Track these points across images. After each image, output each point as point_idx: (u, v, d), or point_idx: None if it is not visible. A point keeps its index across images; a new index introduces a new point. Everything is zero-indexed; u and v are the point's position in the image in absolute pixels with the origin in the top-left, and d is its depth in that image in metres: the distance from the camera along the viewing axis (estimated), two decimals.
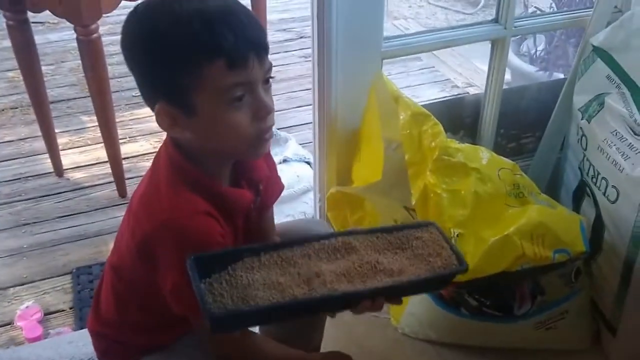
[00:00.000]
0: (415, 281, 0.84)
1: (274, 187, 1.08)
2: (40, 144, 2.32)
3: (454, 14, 4.04)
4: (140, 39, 0.87)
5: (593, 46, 1.44)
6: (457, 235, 1.20)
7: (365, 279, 0.83)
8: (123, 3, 1.96)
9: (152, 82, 0.89)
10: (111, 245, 1.94)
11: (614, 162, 1.31)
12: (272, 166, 1.08)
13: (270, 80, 0.91)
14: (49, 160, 2.28)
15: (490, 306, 1.36)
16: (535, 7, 2.59)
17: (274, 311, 0.80)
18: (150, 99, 0.90)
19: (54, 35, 3.32)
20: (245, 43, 0.85)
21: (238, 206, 0.97)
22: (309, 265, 0.84)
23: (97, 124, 2.12)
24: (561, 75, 2.33)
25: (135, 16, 0.88)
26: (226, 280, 0.81)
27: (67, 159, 2.35)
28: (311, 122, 1.51)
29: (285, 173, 2.18)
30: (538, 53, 2.51)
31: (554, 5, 2.63)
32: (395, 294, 0.87)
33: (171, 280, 0.89)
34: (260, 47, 0.87)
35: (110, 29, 3.32)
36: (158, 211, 0.90)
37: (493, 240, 1.23)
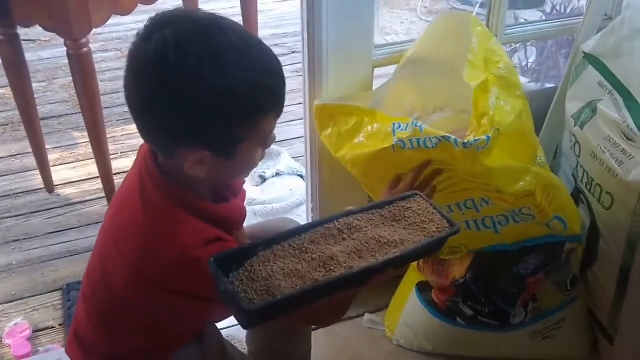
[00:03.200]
0: (418, 247, 0.90)
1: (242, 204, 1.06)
2: (31, 160, 2.30)
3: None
4: (178, 88, 0.80)
5: (584, 53, 1.44)
6: (496, 130, 1.15)
7: (374, 254, 0.88)
8: (114, 19, 1.97)
9: (197, 132, 0.84)
10: None
11: (607, 168, 1.30)
12: (242, 181, 1.06)
13: None
14: (39, 177, 2.27)
15: (486, 315, 1.34)
16: (525, 19, 2.60)
17: (301, 297, 0.82)
18: (187, 144, 0.85)
19: (45, 53, 3.32)
20: (284, 90, 0.88)
21: (237, 219, 0.97)
22: (320, 249, 0.88)
23: (88, 139, 2.11)
24: (552, 86, 2.33)
25: (161, 50, 0.80)
26: (246, 276, 0.82)
27: (58, 175, 2.34)
28: (303, 136, 1.51)
29: (278, 186, 2.17)
30: (529, 65, 2.52)
31: (544, 17, 2.64)
32: (402, 262, 0.92)
33: (211, 295, 0.85)
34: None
35: (102, 46, 3.34)
36: (169, 243, 0.87)
37: (515, 163, 1.20)
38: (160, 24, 0.82)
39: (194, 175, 0.87)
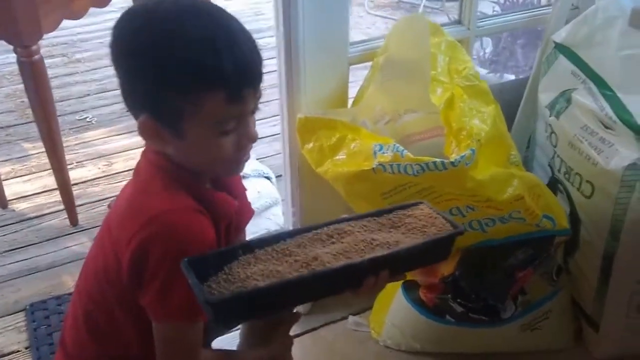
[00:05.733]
0: (413, 247, 0.84)
1: (247, 209, 1.06)
2: None
3: (393, 23, 4.09)
4: (136, 49, 0.83)
5: (555, 43, 1.44)
6: (478, 141, 1.16)
7: (363, 255, 0.83)
8: (63, 23, 1.88)
9: (142, 95, 0.85)
10: (65, 278, 1.86)
11: (587, 157, 1.31)
12: (244, 188, 1.06)
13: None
14: None
15: (476, 311, 1.33)
16: (480, 12, 2.62)
17: (273, 292, 0.78)
18: (135, 108, 0.86)
19: None
20: (246, 77, 0.83)
21: (224, 211, 0.94)
22: (305, 252, 0.84)
23: (40, 150, 2.02)
24: (512, 77, 2.36)
25: (132, 22, 0.84)
26: (223, 279, 0.79)
27: (10, 189, 2.23)
28: (269, 135, 1.47)
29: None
30: (486, 56, 2.54)
31: (497, 8, 2.67)
32: (396, 264, 0.86)
33: (160, 280, 0.85)
34: (258, 81, 0.86)
35: (47, 51, 3.20)
36: (146, 209, 0.86)
37: (500, 170, 1.21)
38: None
39: (157, 146, 0.88)
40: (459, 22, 1.48)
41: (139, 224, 0.85)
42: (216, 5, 0.86)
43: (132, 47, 0.83)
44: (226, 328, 0.99)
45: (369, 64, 1.40)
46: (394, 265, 0.85)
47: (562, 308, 1.41)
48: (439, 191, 1.19)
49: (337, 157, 1.26)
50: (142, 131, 0.86)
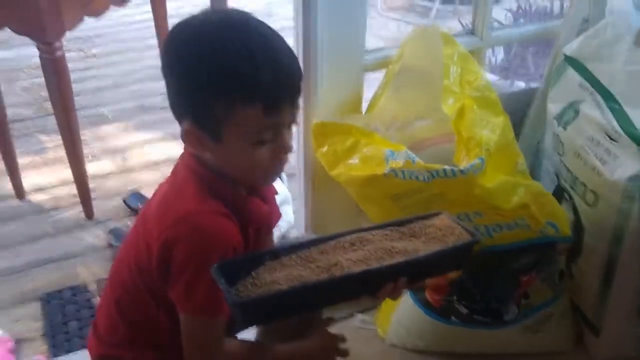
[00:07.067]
0: (430, 255, 0.88)
1: (276, 212, 1.10)
2: None
3: (406, 25, 4.10)
4: (183, 59, 0.88)
5: (565, 55, 1.48)
6: (487, 150, 1.20)
7: (382, 262, 0.87)
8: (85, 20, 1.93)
9: (186, 102, 0.90)
10: (80, 269, 1.91)
11: (592, 167, 1.35)
12: (275, 192, 1.11)
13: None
14: (9, 183, 2.21)
15: (480, 313, 1.37)
16: (492, 17, 2.65)
17: (295, 295, 0.83)
18: (180, 114, 0.92)
19: (4, 54, 3.22)
20: (284, 90, 0.87)
21: (255, 216, 0.98)
22: (327, 258, 0.88)
23: (57, 143, 2.06)
24: (522, 84, 2.39)
25: (182, 32, 0.89)
26: (251, 283, 0.84)
27: (28, 180, 2.28)
28: None
29: None
30: (498, 62, 2.58)
31: (510, 15, 2.71)
32: (414, 271, 0.90)
33: (185, 279, 0.90)
34: (295, 95, 0.90)
35: (64, 46, 3.24)
36: (175, 210, 0.92)
37: (508, 178, 1.25)
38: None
39: (198, 151, 0.93)
40: (472, 32, 1.52)
41: (166, 223, 0.91)
42: (260, 20, 0.91)
43: (180, 56, 0.88)
44: (253, 326, 1.04)
45: (383, 71, 1.45)
46: (411, 272, 0.89)
47: (563, 312, 1.45)
48: (448, 197, 1.23)
49: (350, 161, 1.30)
50: (185, 136, 0.92)
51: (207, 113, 0.87)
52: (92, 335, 1.11)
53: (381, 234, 0.94)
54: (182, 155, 0.99)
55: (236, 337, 1.08)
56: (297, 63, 0.91)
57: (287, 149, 0.92)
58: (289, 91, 0.89)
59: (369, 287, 0.88)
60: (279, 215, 1.10)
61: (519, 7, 2.66)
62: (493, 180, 1.19)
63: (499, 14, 2.90)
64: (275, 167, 0.94)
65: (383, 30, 4.01)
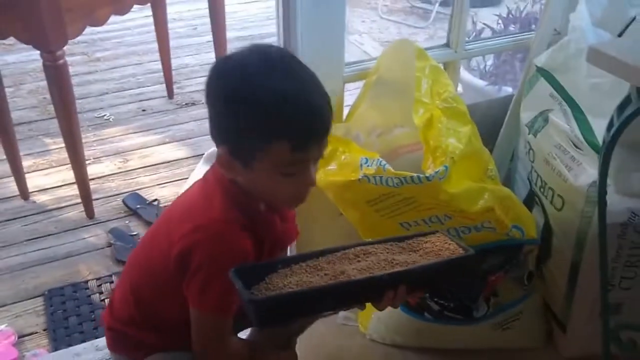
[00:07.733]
0: (427, 266, 0.98)
1: (293, 231, 1.18)
2: (4, 168, 2.33)
3: (407, 28, 4.17)
4: (221, 93, 0.97)
5: (536, 66, 1.56)
6: (451, 159, 1.28)
7: (385, 271, 0.96)
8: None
9: (223, 132, 0.99)
10: (81, 267, 2.00)
11: (558, 173, 1.43)
12: (294, 213, 1.18)
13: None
14: (13, 184, 2.30)
15: (451, 310, 1.46)
16: (483, 23, 2.71)
17: (303, 298, 0.92)
18: (217, 140, 1.00)
19: (11, 57, 3.31)
20: (312, 131, 0.96)
21: (270, 232, 1.07)
22: (334, 267, 0.97)
23: (60, 146, 2.14)
24: (509, 89, 2.46)
25: (224, 66, 0.98)
26: (264, 287, 0.93)
27: (32, 181, 2.37)
28: None
29: None
30: (487, 68, 2.64)
31: (500, 21, 2.77)
32: (412, 280, 0.98)
33: (201, 278, 0.99)
34: (324, 134, 0.98)
35: (68, 49, 3.33)
36: (198, 216, 1.01)
37: (472, 184, 1.32)
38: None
39: (229, 175, 1.01)
40: (447, 45, 1.60)
41: (188, 228, 1.00)
42: (297, 60, 1.00)
43: (219, 90, 0.97)
44: (263, 327, 1.12)
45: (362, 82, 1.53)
46: (410, 281, 0.98)
47: (533, 310, 1.53)
48: (419, 201, 1.31)
49: (329, 168, 1.38)
50: (218, 160, 1.01)
51: (241, 145, 0.97)
52: (107, 308, 1.21)
53: (383, 247, 1.03)
54: (214, 168, 1.06)
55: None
56: (329, 104, 0.99)
57: (311, 182, 1.01)
58: (318, 131, 0.97)
59: (372, 293, 0.97)
60: (295, 234, 1.18)
61: (509, 12, 2.71)
62: (459, 186, 1.27)
63: (491, 19, 2.97)
64: (297, 196, 1.03)
65: (384, 33, 4.07)
